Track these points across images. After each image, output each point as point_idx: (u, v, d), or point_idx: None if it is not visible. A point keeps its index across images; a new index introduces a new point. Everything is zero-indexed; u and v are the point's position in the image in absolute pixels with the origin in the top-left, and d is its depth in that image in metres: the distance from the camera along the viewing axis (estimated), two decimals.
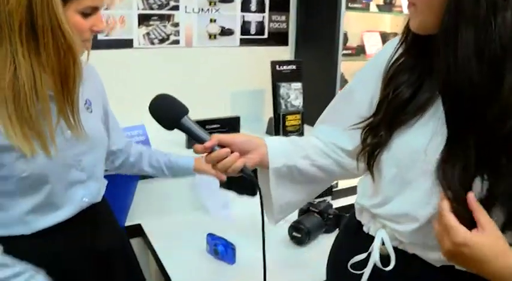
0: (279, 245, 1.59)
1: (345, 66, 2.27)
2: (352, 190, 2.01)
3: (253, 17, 2.27)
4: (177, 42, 2.10)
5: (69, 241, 1.07)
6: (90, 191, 1.11)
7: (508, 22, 0.67)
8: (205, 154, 0.93)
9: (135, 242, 1.66)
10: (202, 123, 1.74)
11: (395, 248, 0.90)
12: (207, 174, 1.41)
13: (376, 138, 0.88)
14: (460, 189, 0.73)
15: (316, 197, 1.94)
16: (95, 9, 0.99)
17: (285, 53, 2.39)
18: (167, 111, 0.93)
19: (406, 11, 1.36)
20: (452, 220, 0.71)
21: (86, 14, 0.97)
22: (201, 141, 0.92)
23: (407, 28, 0.85)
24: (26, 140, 0.91)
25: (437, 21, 0.73)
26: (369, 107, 0.94)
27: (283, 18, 2.35)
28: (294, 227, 1.59)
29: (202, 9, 2.12)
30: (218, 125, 2.00)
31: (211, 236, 1.51)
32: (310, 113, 2.05)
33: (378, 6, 2.42)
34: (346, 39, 2.36)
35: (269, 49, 2.33)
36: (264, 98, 2.34)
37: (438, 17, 0.73)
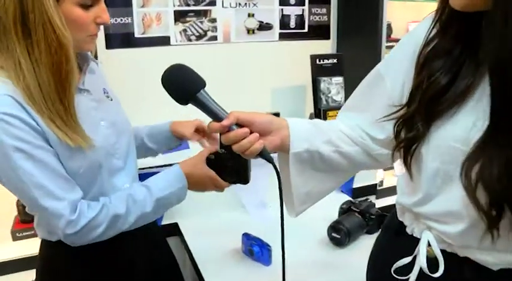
0: (317, 246, 1.53)
1: None
2: None
3: (293, 10, 2.19)
4: (214, 38, 2.07)
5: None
6: (128, 178, 1.12)
7: None
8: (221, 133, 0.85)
9: (172, 241, 1.64)
10: None
11: (443, 251, 0.82)
12: (186, 138, 1.32)
13: (412, 132, 0.79)
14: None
15: (358, 196, 1.87)
16: (96, 0, 0.95)
17: (326, 46, 2.30)
18: (183, 83, 0.85)
19: None
20: None
21: (86, 6, 0.93)
22: (218, 118, 0.84)
23: (442, 5, 0.76)
24: (76, 133, 0.94)
25: None
26: (400, 94, 0.86)
27: (324, 10, 2.27)
28: (333, 228, 1.52)
29: (239, 4, 2.07)
30: None
31: (246, 236, 1.47)
32: None
33: None
34: (390, 30, 2.27)
35: (309, 43, 2.25)
36: (305, 94, 2.26)
37: None
